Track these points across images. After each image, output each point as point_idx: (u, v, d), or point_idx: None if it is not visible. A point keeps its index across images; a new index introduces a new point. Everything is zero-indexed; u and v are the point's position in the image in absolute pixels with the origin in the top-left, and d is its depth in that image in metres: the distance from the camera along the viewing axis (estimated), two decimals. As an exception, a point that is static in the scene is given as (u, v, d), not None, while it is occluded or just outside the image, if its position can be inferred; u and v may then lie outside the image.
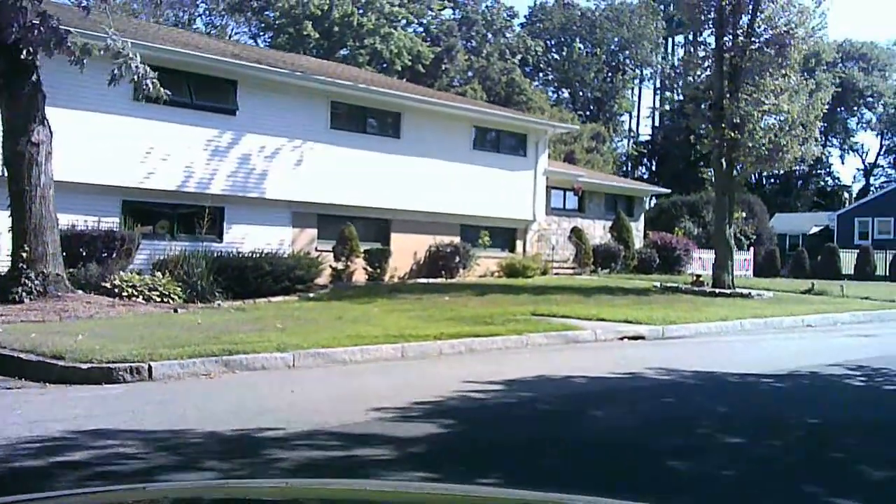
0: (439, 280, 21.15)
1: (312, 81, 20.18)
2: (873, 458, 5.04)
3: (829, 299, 19.85)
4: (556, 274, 24.78)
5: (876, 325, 15.63)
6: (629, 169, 63.83)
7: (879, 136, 70.89)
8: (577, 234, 26.74)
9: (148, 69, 13.74)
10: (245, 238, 18.89)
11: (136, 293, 14.19)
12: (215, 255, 16.53)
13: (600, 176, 33.38)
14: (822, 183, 72.64)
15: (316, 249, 19.86)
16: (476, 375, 8.02)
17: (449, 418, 5.84)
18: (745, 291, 19.59)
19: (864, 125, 68.30)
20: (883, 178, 70.83)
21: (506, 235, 24.90)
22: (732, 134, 19.06)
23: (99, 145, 16.68)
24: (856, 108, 65.32)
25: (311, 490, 2.30)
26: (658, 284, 21.05)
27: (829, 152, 69.81)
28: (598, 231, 29.17)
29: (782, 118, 19.20)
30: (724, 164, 19.94)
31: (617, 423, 5.90)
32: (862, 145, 72.64)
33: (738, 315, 14.73)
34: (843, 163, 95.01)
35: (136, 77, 13.63)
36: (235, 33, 54.30)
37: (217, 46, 21.81)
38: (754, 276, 32.14)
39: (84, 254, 14.93)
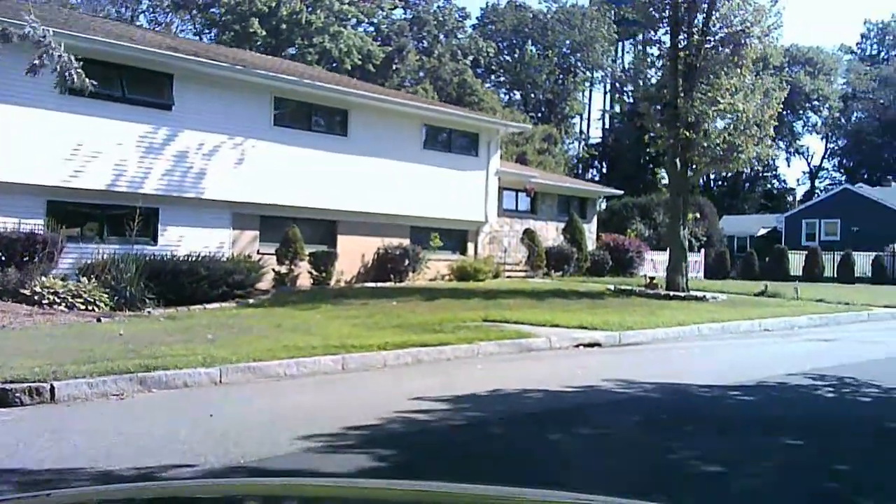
0: (388, 284, 20.39)
1: (254, 76, 19.24)
2: (870, 488, 4.48)
3: (783, 302, 19.62)
4: (508, 277, 24.20)
5: (832, 329, 15.34)
6: (580, 171, 63.88)
7: (824, 140, 72.28)
8: (529, 236, 26.21)
9: (72, 58, 12.74)
10: (182, 240, 17.90)
11: (58, 300, 13.16)
12: (148, 258, 15.53)
13: (553, 177, 32.96)
14: (769, 185, 73.85)
15: (258, 252, 18.93)
16: (423, 391, 7.31)
17: (388, 447, 5.11)
18: (700, 294, 19.26)
19: (810, 128, 69.59)
20: (828, 181, 72.24)
21: (457, 237, 24.24)
22: (687, 134, 18.70)
23: (21, 141, 15.57)
24: (801, 112, 66.40)
25: (311, 489, 2.28)
26: (612, 287, 20.60)
27: (776, 155, 70.90)
28: (550, 233, 28.70)
29: (737, 118, 18.88)
30: (678, 164, 19.58)
31: (577, 451, 5.24)
32: (807, 148, 74.09)
33: (694, 319, 14.30)
34: (788, 165, 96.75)
35: (58, 67, 12.65)
36: (180, 31, 52.76)
37: (153, 39, 20.72)
38: (705, 277, 32.06)
39: (2, 258, 13.84)
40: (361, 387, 7.87)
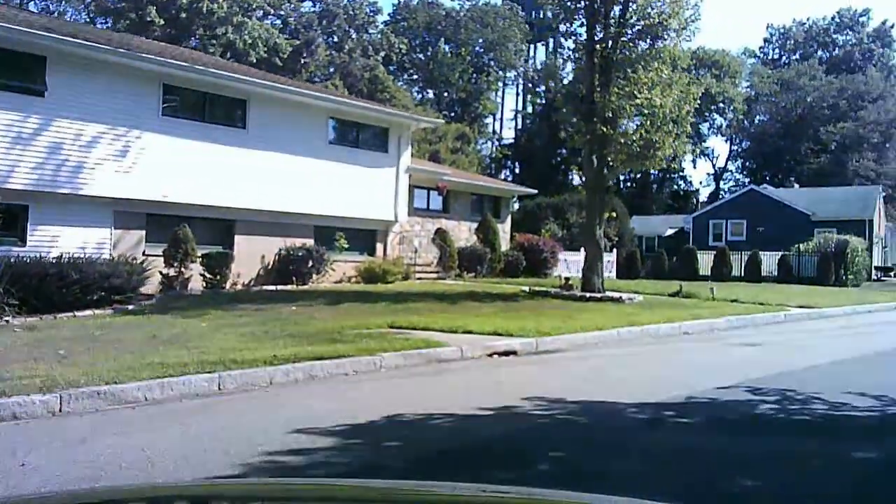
0: (289, 287, 18.98)
1: (140, 60, 17.52)
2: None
3: (699, 303, 19.17)
4: (418, 279, 23.10)
5: (753, 332, 14.81)
6: (494, 171, 63.56)
7: (728, 142, 74.09)
8: (441, 236, 25.19)
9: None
10: (56, 241, 16.11)
11: None
12: (12, 260, 13.71)
13: (466, 175, 32.03)
14: (676, 186, 75.31)
15: (143, 254, 17.26)
16: (309, 419, 6.10)
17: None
18: (615, 295, 18.60)
19: (715, 130, 71.14)
20: (732, 183, 74.06)
21: (365, 237, 22.98)
22: (604, 129, 18.01)
23: None
24: (707, 114, 67.73)
25: (312, 489, 2.23)
26: (526, 289, 19.76)
27: (685, 156, 72.35)
28: (463, 233, 27.78)
29: (654, 113, 18.28)
30: (594, 161, 18.88)
31: None
32: (713, 150, 75.82)
33: (613, 323, 13.48)
34: (695, 167, 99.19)
35: None
36: (74, 20, 49.55)
37: (24, 18, 18.72)
38: (617, 277, 31.74)
39: None
40: (235, 415, 6.58)
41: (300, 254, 19.98)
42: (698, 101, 19.46)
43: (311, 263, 20.02)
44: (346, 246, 21.70)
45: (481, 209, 28.65)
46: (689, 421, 6.34)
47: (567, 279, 20.25)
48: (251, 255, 19.74)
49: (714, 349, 11.82)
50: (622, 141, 18.29)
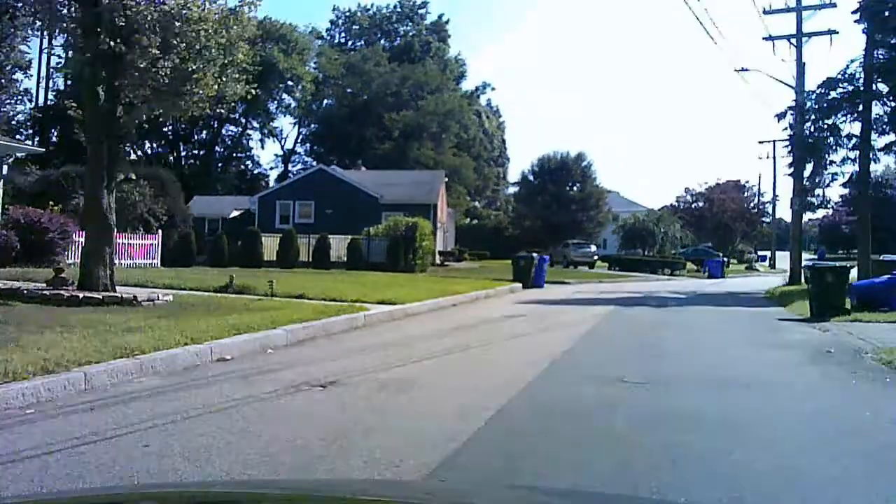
0: None
1: None
2: None
3: (252, 301, 14.10)
4: None
5: (321, 352, 10.01)
6: (29, 138, 52.09)
7: (297, 124, 71.35)
8: None
9: None
10: None
11: None
12: None
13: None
14: (244, 167, 71.05)
15: None
16: None
17: None
18: (130, 294, 12.62)
19: (284, 110, 67.73)
20: (301, 165, 71.50)
21: None
22: (113, 44, 11.88)
23: None
24: (276, 91, 63.83)
25: (313, 490, 2.19)
26: (-11, 287, 12.77)
27: (250, 135, 68.08)
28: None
29: (191, 32, 12.62)
30: (101, 94, 12.65)
31: None
32: (281, 130, 72.58)
33: (92, 354, 7.51)
34: (263, 147, 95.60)
35: None
36: None
37: None
38: (164, 265, 25.73)
39: None
40: None
41: None
42: (256, 28, 14.35)
43: None
44: None
45: (-46, 169, 20.16)
46: None
47: (60, 270, 13.54)
48: None
49: (261, 407, 6.51)
50: (142, 65, 12.32)
